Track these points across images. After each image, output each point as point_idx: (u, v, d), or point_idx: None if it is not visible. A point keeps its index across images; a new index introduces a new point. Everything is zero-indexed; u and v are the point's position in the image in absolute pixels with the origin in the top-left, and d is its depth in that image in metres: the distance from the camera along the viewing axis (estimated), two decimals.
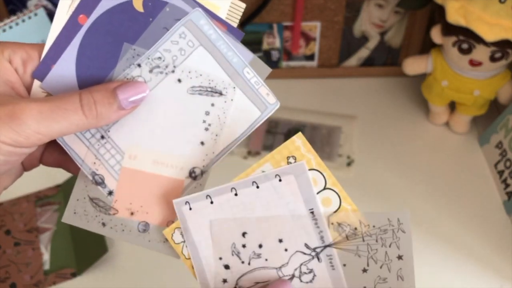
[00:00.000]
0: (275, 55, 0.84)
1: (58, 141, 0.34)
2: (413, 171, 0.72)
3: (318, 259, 0.30)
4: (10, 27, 0.68)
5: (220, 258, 0.31)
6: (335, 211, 0.30)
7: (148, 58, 0.33)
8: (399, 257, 0.29)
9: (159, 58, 0.33)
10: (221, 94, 0.33)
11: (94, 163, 0.34)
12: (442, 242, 0.64)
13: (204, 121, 0.34)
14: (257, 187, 0.30)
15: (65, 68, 0.33)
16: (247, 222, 0.30)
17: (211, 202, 0.30)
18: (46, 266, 0.62)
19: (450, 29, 0.66)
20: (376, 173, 0.72)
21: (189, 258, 0.32)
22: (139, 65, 0.33)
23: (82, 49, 0.33)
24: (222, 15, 0.34)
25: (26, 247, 0.64)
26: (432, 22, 0.75)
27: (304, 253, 0.30)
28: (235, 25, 0.34)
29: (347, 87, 0.84)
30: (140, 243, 0.34)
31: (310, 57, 0.84)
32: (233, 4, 0.34)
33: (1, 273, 0.62)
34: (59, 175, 0.69)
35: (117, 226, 0.35)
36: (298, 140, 0.30)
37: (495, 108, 0.77)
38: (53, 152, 0.37)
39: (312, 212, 0.30)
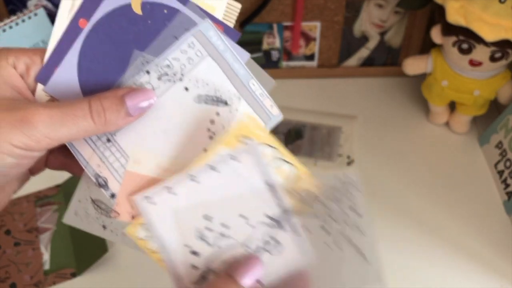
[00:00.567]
0: (275, 55, 0.84)
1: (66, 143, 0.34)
2: (413, 171, 0.72)
3: (282, 228, 0.31)
4: (10, 27, 0.68)
5: (187, 246, 0.32)
6: (290, 179, 0.31)
7: (157, 66, 0.33)
8: (354, 211, 0.31)
9: (168, 66, 0.33)
10: (226, 104, 0.34)
11: (99, 165, 0.34)
12: (442, 242, 0.64)
13: (208, 130, 0.34)
14: (215, 171, 0.31)
15: (68, 71, 0.33)
16: (208, 206, 0.31)
17: (172, 193, 0.31)
18: (46, 266, 0.62)
19: (450, 29, 0.66)
20: (376, 173, 0.72)
21: (156, 252, 0.32)
22: (147, 72, 0.33)
23: (84, 52, 0.33)
24: (219, 15, 0.34)
25: (26, 247, 0.64)
26: (432, 22, 0.75)
27: (267, 225, 0.31)
28: (231, 25, 0.34)
29: (347, 87, 0.84)
30: (139, 248, 0.34)
31: (310, 57, 0.84)
32: (229, 4, 0.34)
33: (1, 273, 0.62)
34: (59, 175, 0.69)
35: (118, 229, 0.35)
36: (246, 119, 0.31)
37: (495, 108, 0.77)
38: (58, 156, 0.38)
39: (269, 185, 0.31)
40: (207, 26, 0.32)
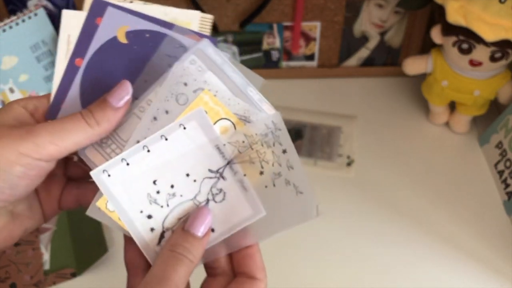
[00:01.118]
0: (275, 55, 0.84)
1: (79, 155, 0.36)
2: (413, 171, 0.72)
3: (223, 178, 0.34)
4: (10, 27, 0.68)
5: (141, 211, 0.34)
6: (229, 133, 0.34)
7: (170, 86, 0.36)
8: (284, 151, 0.33)
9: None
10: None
11: None
12: (442, 242, 0.64)
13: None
14: (166, 139, 0.33)
15: (72, 105, 0.37)
16: (156, 170, 0.34)
17: (127, 164, 0.34)
18: (46, 266, 0.62)
19: (450, 29, 0.66)
20: (376, 173, 0.72)
21: None
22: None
23: (84, 87, 0.38)
24: (195, 28, 0.38)
25: (26, 247, 0.64)
26: (432, 22, 0.75)
27: (210, 178, 0.34)
28: (208, 34, 0.38)
29: (347, 87, 0.84)
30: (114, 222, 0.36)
31: (310, 57, 0.84)
32: (202, 17, 0.38)
33: (1, 273, 0.62)
34: None
35: None
36: (205, 96, 0.34)
37: (495, 108, 0.77)
38: (71, 190, 0.40)
39: (211, 140, 0.34)
40: (205, 44, 0.35)
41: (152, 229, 0.34)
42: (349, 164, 0.73)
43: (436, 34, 0.69)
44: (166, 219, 0.34)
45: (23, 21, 0.69)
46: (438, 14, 0.68)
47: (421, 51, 0.82)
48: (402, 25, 0.80)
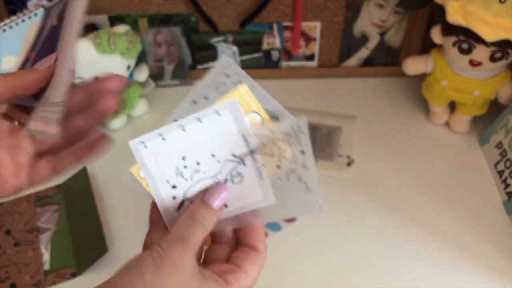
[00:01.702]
0: (275, 55, 0.84)
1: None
2: (413, 171, 0.72)
3: (244, 163, 0.38)
4: (10, 27, 0.68)
5: (168, 181, 0.38)
6: (257, 126, 0.38)
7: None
8: (302, 152, 0.37)
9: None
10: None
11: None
12: (442, 242, 0.64)
13: None
14: (201, 122, 0.37)
15: None
16: (186, 147, 0.37)
17: (163, 139, 0.37)
18: (46, 266, 0.62)
19: (450, 29, 0.66)
20: (376, 173, 0.72)
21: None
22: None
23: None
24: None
25: (26, 247, 0.64)
26: (432, 22, 0.75)
27: (232, 161, 0.38)
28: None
29: (347, 87, 0.84)
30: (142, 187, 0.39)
31: (310, 57, 0.84)
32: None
33: (1, 273, 0.62)
34: None
35: None
36: (243, 89, 0.37)
37: (495, 108, 0.77)
38: (47, 162, 0.40)
39: (240, 130, 0.37)
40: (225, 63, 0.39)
41: (174, 197, 0.39)
42: (349, 164, 0.73)
43: (436, 34, 0.69)
44: (188, 190, 0.38)
45: (23, 21, 0.69)
46: (438, 14, 0.69)
47: (421, 51, 0.82)
48: (402, 25, 0.80)
